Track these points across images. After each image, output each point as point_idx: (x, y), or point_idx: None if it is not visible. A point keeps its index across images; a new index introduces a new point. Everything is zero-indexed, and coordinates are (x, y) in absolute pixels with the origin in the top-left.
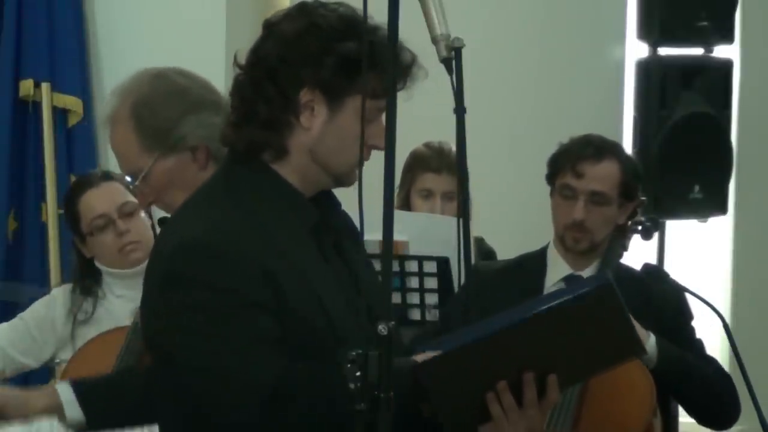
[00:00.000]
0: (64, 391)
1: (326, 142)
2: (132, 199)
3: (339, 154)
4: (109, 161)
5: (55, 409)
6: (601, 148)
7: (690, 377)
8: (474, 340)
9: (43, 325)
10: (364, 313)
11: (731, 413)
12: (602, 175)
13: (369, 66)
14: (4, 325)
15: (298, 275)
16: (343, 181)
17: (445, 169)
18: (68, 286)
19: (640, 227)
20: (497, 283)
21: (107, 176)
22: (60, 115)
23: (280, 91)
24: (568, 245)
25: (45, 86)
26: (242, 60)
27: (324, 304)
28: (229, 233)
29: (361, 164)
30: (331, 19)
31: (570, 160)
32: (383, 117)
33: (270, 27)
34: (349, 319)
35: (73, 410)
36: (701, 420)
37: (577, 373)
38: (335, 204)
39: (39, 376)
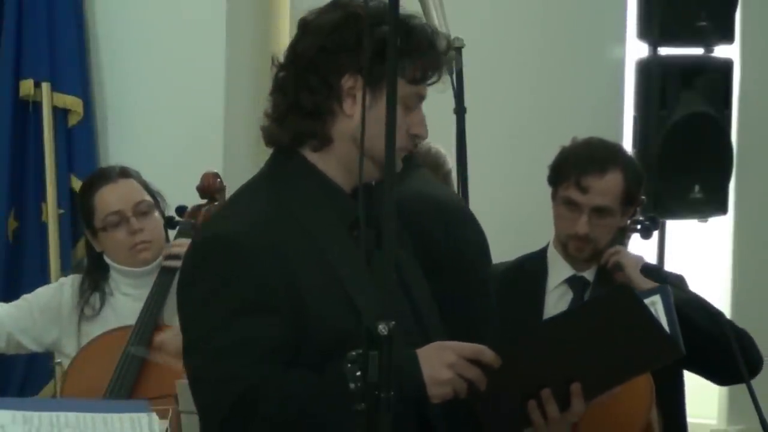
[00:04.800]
0: None
1: (369, 129)
2: (147, 197)
3: (382, 139)
4: (109, 161)
5: None
6: (605, 158)
7: (703, 311)
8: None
9: (46, 309)
10: (407, 310)
11: (754, 358)
12: (606, 189)
13: (404, 52)
14: (8, 304)
15: (329, 276)
16: None
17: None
18: (77, 277)
19: (639, 226)
20: (499, 287)
21: (125, 173)
22: (60, 115)
23: (323, 79)
24: (570, 253)
25: (45, 86)
26: (280, 59)
27: (356, 306)
28: (261, 233)
29: (361, 162)
30: (365, 8)
31: (574, 172)
32: (422, 106)
33: (306, 24)
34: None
35: None
36: (721, 374)
37: (606, 380)
38: (377, 196)
39: (39, 373)
